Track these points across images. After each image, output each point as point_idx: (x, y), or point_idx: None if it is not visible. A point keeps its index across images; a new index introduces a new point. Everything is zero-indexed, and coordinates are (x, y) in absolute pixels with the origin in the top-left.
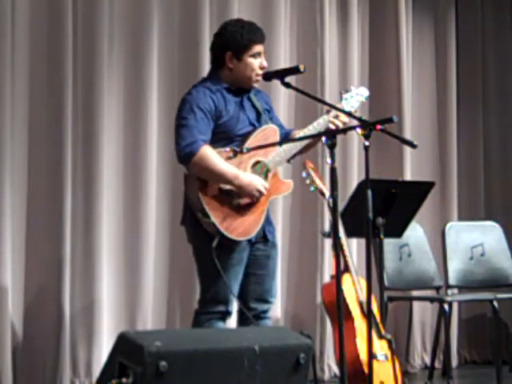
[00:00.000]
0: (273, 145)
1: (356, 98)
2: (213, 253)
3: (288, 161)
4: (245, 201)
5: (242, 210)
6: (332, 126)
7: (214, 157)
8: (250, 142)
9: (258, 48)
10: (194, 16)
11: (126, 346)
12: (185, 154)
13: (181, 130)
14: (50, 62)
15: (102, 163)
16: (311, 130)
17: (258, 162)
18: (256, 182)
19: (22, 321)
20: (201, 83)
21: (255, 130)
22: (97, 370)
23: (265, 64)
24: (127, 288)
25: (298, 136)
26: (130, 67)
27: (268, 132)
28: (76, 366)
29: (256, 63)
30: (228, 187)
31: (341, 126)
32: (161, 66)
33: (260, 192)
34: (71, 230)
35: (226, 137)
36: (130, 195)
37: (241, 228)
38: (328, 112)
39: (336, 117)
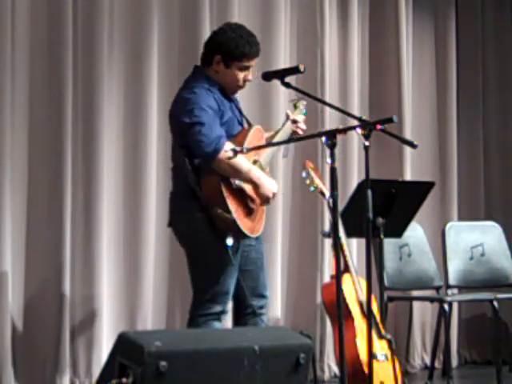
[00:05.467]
0: (272, 145)
1: (303, 108)
2: (228, 251)
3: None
4: (254, 201)
5: (249, 208)
6: (300, 131)
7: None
8: (249, 142)
9: (249, 63)
10: (194, 16)
11: (126, 345)
12: (212, 150)
13: (199, 128)
14: (50, 61)
15: (102, 163)
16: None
17: (255, 161)
18: (272, 185)
19: (22, 320)
20: (197, 82)
21: (250, 130)
22: (97, 370)
23: (250, 78)
24: (127, 288)
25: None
26: (130, 67)
27: (259, 132)
28: (76, 366)
29: (241, 75)
30: (245, 185)
31: (301, 131)
32: (161, 66)
33: (273, 195)
34: (71, 230)
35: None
36: (130, 195)
37: (249, 225)
38: (287, 118)
39: (295, 122)
